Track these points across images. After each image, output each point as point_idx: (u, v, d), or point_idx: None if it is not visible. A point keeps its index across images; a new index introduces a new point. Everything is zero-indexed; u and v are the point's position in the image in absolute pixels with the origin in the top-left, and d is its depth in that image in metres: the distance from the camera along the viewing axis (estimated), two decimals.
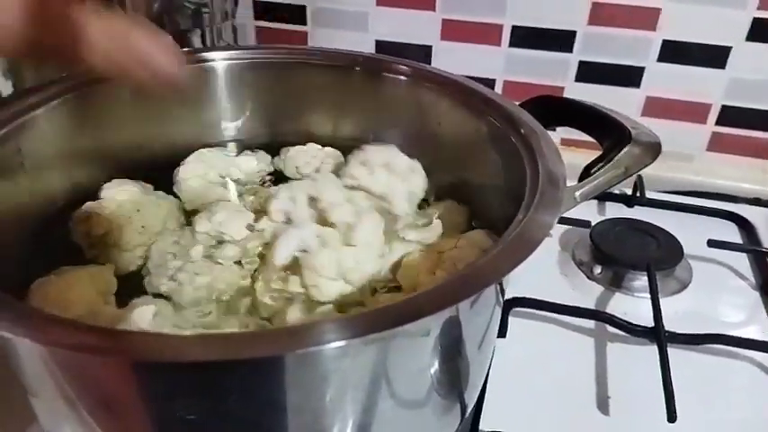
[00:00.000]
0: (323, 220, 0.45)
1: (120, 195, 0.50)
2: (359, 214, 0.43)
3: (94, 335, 0.27)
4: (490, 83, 0.87)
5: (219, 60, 0.54)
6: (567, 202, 0.37)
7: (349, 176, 0.49)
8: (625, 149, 0.40)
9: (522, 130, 0.41)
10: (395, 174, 0.49)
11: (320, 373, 0.31)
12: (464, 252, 0.42)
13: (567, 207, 0.36)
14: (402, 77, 0.53)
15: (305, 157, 0.56)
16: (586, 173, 0.40)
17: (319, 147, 0.58)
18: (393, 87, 0.53)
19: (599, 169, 0.40)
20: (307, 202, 0.46)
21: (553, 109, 0.48)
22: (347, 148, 0.54)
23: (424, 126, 0.51)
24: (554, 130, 0.47)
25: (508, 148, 0.42)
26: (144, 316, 0.37)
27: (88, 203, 0.48)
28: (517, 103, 0.48)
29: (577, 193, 0.39)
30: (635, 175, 0.60)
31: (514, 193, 0.40)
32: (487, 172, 0.46)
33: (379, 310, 0.30)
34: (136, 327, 0.36)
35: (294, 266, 0.42)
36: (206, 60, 0.54)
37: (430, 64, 0.86)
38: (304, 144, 0.58)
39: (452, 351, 0.36)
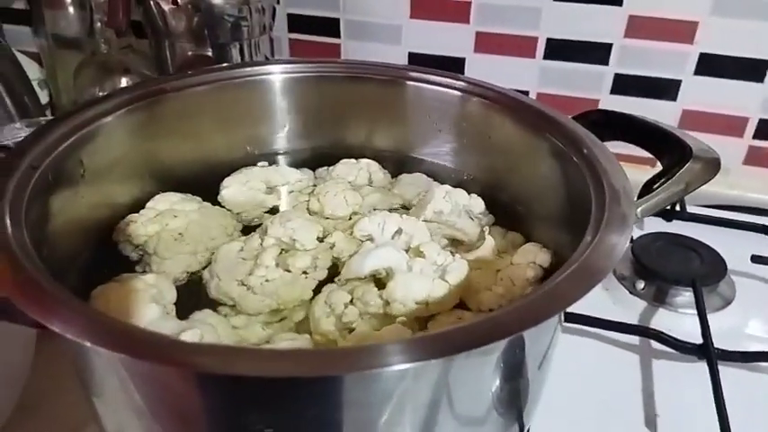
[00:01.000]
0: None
1: (159, 205, 0.50)
2: (446, 255, 0.44)
3: (171, 347, 0.28)
4: (524, 95, 0.87)
5: (276, 74, 0.55)
6: (632, 221, 0.36)
7: (431, 212, 0.50)
8: (687, 166, 0.40)
9: (583, 147, 0.41)
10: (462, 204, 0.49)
11: (385, 391, 0.30)
12: (520, 269, 0.41)
13: (631, 226, 0.36)
14: (453, 91, 0.53)
15: (353, 171, 0.56)
16: (647, 189, 0.40)
17: (354, 160, 0.58)
18: (442, 101, 0.53)
19: (660, 185, 0.40)
20: (393, 232, 0.47)
21: (607, 123, 0.47)
22: (390, 159, 0.54)
23: (473, 140, 0.51)
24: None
25: (567, 164, 0.42)
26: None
27: (130, 215, 0.49)
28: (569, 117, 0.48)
29: (639, 210, 0.39)
30: None
31: (571, 210, 0.40)
32: (542, 188, 0.45)
33: (449, 333, 0.30)
34: None
35: (365, 283, 0.42)
36: (259, 74, 0.54)
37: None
38: (344, 157, 0.58)
39: (514, 371, 0.36)
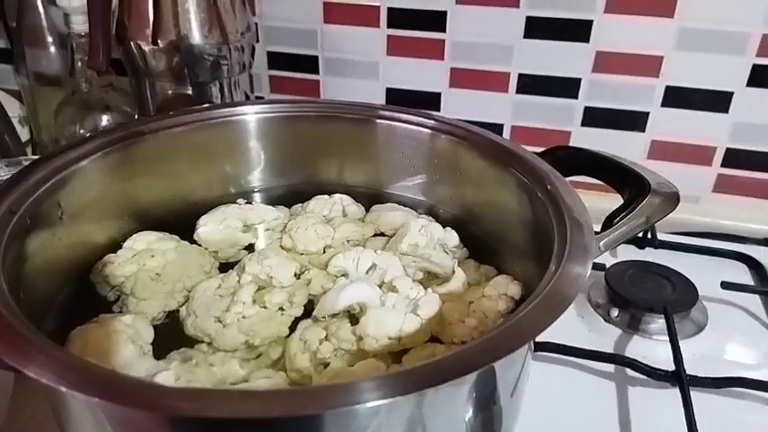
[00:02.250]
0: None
1: (137, 245, 0.51)
2: (418, 288, 0.45)
3: (142, 391, 0.28)
4: (498, 128, 0.89)
5: (251, 114, 0.56)
6: (593, 252, 0.38)
7: (407, 245, 0.51)
8: (646, 200, 0.42)
9: (546, 182, 0.43)
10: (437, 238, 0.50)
11: (358, 428, 0.31)
12: (492, 301, 0.42)
13: (593, 256, 0.37)
14: (424, 129, 0.54)
15: (327, 206, 0.57)
16: (609, 222, 0.41)
17: (327, 196, 0.59)
18: (415, 137, 0.55)
19: (621, 219, 0.41)
20: (367, 267, 0.48)
21: (572, 159, 0.49)
22: (365, 194, 0.55)
23: (445, 175, 0.52)
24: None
25: (532, 199, 0.43)
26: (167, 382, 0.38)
27: (108, 255, 0.49)
28: (529, 148, 0.49)
29: (602, 243, 0.40)
30: None
31: (538, 242, 0.41)
32: (510, 221, 0.47)
33: (421, 368, 0.30)
34: None
35: (339, 319, 0.43)
36: (234, 115, 0.56)
37: (439, 110, 0.89)
38: (319, 193, 0.59)
39: (487, 401, 0.37)
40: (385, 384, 0.29)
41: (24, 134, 0.94)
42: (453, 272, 0.48)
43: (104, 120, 0.81)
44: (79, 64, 0.80)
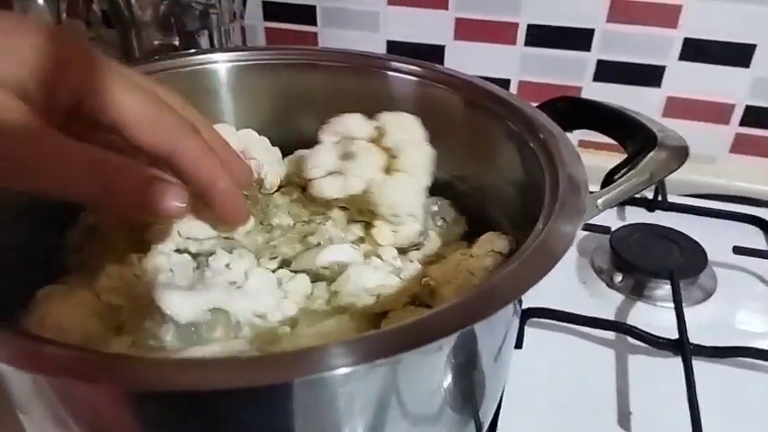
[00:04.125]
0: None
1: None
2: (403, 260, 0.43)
3: (84, 361, 0.26)
4: (505, 83, 0.85)
5: (222, 62, 0.52)
6: (590, 211, 0.34)
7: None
8: (651, 154, 0.38)
9: (540, 134, 0.39)
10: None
11: (327, 397, 0.29)
12: (480, 260, 0.39)
13: (589, 215, 0.34)
14: (411, 77, 0.50)
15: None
16: (609, 179, 0.38)
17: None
18: (401, 87, 0.51)
19: (623, 175, 0.38)
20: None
21: (572, 111, 0.45)
22: None
23: (432, 127, 0.48)
24: (571, 132, 0.45)
25: (524, 152, 0.40)
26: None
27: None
28: (534, 104, 0.46)
29: (600, 201, 0.37)
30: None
31: (530, 199, 0.38)
32: (501, 176, 0.44)
33: (390, 332, 0.28)
34: None
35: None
36: (209, 62, 0.52)
37: (443, 64, 0.84)
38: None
39: (467, 365, 0.34)
40: (354, 350, 0.26)
41: None
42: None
43: None
44: (64, 15, 0.76)
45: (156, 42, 0.71)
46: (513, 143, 0.42)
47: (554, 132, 0.39)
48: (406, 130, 0.44)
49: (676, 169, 0.39)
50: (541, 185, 0.37)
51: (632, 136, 0.40)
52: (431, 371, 0.32)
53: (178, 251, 0.42)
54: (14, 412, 0.35)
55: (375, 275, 0.39)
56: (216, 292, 0.37)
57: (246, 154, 0.48)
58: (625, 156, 0.41)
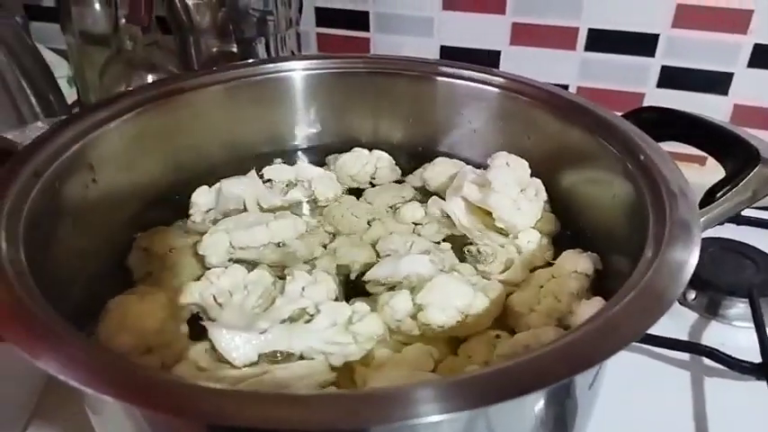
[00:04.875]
0: None
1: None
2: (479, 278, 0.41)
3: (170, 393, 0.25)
4: (563, 89, 0.82)
5: (297, 70, 0.51)
6: (698, 233, 0.32)
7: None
8: (754, 171, 0.36)
9: (639, 152, 0.37)
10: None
11: None
12: (564, 283, 0.37)
13: (698, 239, 0.31)
14: (488, 87, 0.48)
15: (357, 165, 0.54)
16: (710, 197, 0.36)
17: (367, 151, 0.55)
18: (476, 98, 0.49)
19: (724, 194, 0.35)
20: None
21: (661, 122, 0.43)
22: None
23: (508, 141, 0.47)
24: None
25: (618, 170, 0.38)
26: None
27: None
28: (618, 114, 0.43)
29: (702, 221, 0.34)
30: None
31: (623, 216, 0.35)
32: (587, 192, 0.41)
33: (490, 376, 0.26)
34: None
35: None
36: (280, 71, 0.51)
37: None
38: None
39: (562, 398, 0.32)
40: (448, 394, 0.24)
41: (72, 95, 0.93)
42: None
43: (149, 79, 0.78)
44: (123, 20, 0.77)
45: (214, 49, 0.71)
46: (606, 160, 0.40)
47: (651, 148, 0.37)
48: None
49: None
50: (639, 201, 0.34)
51: (731, 152, 0.38)
52: (525, 411, 0.31)
53: (240, 262, 0.41)
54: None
55: (464, 290, 0.37)
56: (276, 332, 0.35)
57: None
58: (704, 166, 0.38)
